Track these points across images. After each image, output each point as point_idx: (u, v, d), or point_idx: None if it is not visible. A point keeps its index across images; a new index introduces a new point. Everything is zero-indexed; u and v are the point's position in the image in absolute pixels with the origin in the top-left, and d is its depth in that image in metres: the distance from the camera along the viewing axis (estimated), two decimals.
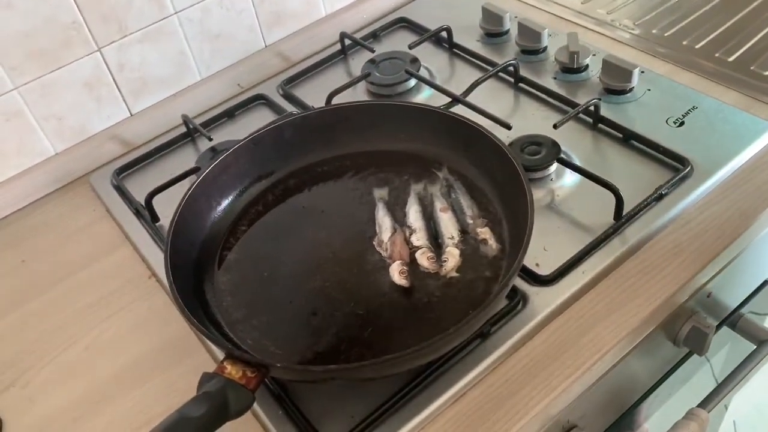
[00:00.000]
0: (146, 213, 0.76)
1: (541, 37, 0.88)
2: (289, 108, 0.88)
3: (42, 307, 0.71)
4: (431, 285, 0.62)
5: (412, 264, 0.63)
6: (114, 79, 0.86)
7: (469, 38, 0.94)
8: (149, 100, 0.90)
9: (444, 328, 0.52)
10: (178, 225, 0.63)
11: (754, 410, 1.23)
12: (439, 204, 0.68)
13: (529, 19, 0.89)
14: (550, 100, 0.82)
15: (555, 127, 0.74)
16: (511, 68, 0.84)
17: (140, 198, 0.77)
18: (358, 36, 0.96)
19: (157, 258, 0.72)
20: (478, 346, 0.60)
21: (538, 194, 0.70)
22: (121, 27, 0.83)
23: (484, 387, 0.58)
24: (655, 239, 0.67)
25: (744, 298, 0.82)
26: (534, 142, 0.73)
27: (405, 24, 1.00)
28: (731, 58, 0.85)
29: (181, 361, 0.64)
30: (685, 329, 0.69)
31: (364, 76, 0.88)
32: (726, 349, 0.90)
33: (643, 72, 0.82)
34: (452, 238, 0.64)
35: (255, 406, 0.55)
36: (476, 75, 0.84)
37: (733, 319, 0.80)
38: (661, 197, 0.68)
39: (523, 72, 0.85)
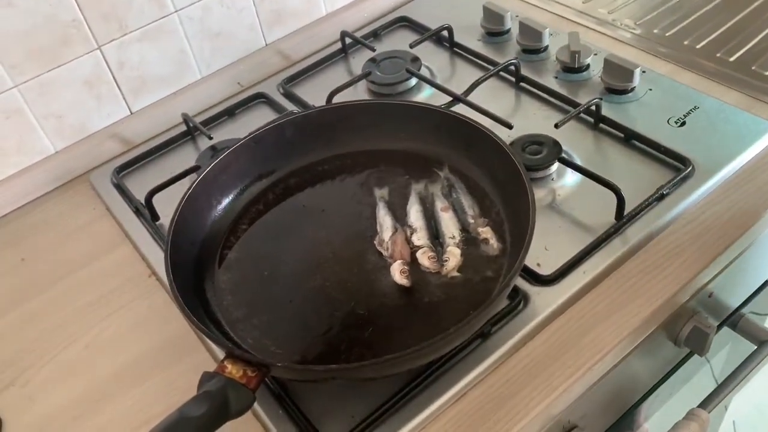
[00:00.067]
0: (146, 211, 0.75)
1: (543, 36, 0.87)
2: (290, 107, 0.87)
3: (42, 305, 0.71)
4: (432, 285, 0.62)
5: (413, 263, 0.63)
6: (114, 78, 0.86)
7: (470, 37, 0.94)
8: (149, 98, 0.90)
9: (445, 327, 0.52)
10: (179, 223, 0.63)
11: (754, 410, 1.23)
12: (440, 203, 0.67)
13: (530, 19, 0.89)
14: (551, 99, 0.82)
15: (556, 126, 0.73)
16: (512, 67, 0.84)
17: (140, 196, 0.77)
18: (358, 35, 0.96)
19: (157, 257, 0.72)
20: (479, 346, 0.59)
21: (539, 194, 0.70)
22: (121, 25, 0.83)
23: (485, 387, 0.58)
24: (656, 239, 0.66)
25: (745, 298, 0.82)
26: (535, 141, 0.73)
27: (406, 23, 1.00)
28: (732, 58, 0.85)
29: (181, 360, 0.64)
30: (686, 329, 0.69)
31: (365, 75, 0.87)
32: (726, 349, 0.90)
33: (644, 72, 0.82)
34: (453, 237, 0.64)
35: (255, 405, 0.55)
36: (477, 74, 0.84)
37: (733, 320, 0.80)
38: (662, 197, 0.68)
39: (524, 71, 0.85)
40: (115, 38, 0.83)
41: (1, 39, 0.76)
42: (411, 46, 0.90)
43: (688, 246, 0.65)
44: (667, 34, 0.91)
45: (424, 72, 0.88)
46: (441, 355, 0.57)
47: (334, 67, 0.95)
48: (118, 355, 0.65)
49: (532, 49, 0.89)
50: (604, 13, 0.96)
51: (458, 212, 0.67)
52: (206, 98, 0.92)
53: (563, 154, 0.72)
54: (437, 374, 0.58)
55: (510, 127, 0.74)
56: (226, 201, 0.71)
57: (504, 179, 0.65)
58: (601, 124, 0.77)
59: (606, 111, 0.77)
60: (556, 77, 0.85)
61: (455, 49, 0.93)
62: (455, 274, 0.62)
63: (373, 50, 0.92)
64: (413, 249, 0.64)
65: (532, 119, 0.80)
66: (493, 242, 0.63)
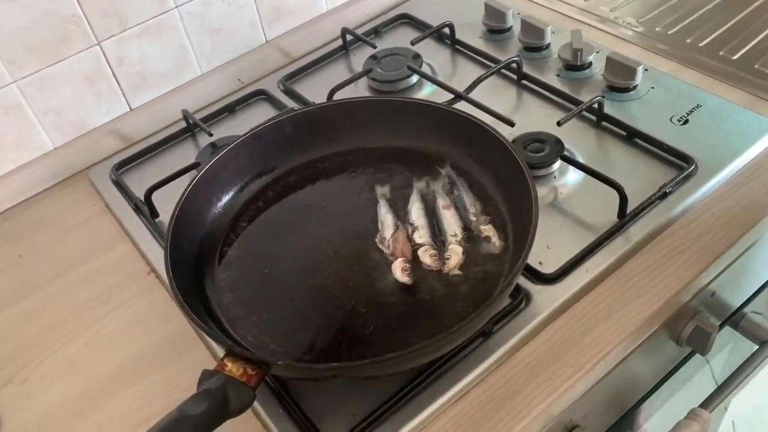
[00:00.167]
0: (145, 208, 0.75)
1: (545, 33, 0.87)
2: (290, 104, 0.87)
3: (40, 302, 0.71)
4: (434, 283, 0.61)
5: (414, 262, 0.63)
6: (113, 74, 0.85)
7: (472, 35, 0.93)
8: (149, 94, 0.89)
9: (446, 326, 0.52)
10: (178, 220, 0.62)
11: (754, 410, 1.23)
12: (441, 201, 0.67)
13: (532, 16, 0.89)
14: (553, 97, 0.81)
15: (559, 124, 0.73)
16: (514, 65, 0.84)
17: (140, 193, 0.76)
18: (359, 32, 0.95)
19: (156, 254, 0.72)
20: (481, 345, 0.59)
21: (541, 192, 0.70)
22: (121, 21, 0.82)
23: (486, 386, 0.58)
24: (658, 238, 0.66)
25: (747, 297, 0.82)
26: (537, 139, 0.73)
27: (407, 20, 0.99)
28: (735, 56, 0.85)
29: (181, 357, 0.63)
30: (688, 329, 0.69)
31: (366, 72, 0.87)
32: (727, 349, 0.90)
33: (646, 70, 0.82)
34: (455, 235, 0.64)
35: (255, 403, 0.54)
36: (479, 72, 0.84)
37: (735, 319, 0.79)
38: (665, 195, 0.68)
39: (526, 69, 0.85)
40: (114, 34, 0.83)
41: (0, 34, 0.75)
42: (412, 43, 0.89)
43: (691, 245, 0.65)
44: (669, 32, 0.90)
45: (425, 69, 0.87)
46: (442, 353, 0.57)
47: (334, 64, 0.94)
48: (118, 352, 0.65)
49: (534, 47, 0.88)
50: (606, 11, 0.95)
51: (460, 210, 0.66)
52: (206, 95, 0.91)
53: (565, 152, 0.71)
54: (438, 373, 0.58)
55: (512, 124, 0.74)
56: (226, 198, 0.70)
57: (506, 177, 0.64)
58: (604, 122, 0.77)
59: (608, 109, 0.77)
60: (558, 75, 0.85)
61: (456, 46, 0.92)
62: (457, 272, 0.61)
63: (374, 47, 0.91)
64: (415, 247, 0.64)
65: (533, 117, 0.79)
66: (495, 240, 0.63)
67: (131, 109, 0.89)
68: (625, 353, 0.61)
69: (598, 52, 0.85)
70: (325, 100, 0.81)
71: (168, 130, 0.87)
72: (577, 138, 0.75)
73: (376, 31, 0.98)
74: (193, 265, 0.64)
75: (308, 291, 0.63)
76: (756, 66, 0.83)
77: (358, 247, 0.65)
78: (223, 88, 0.93)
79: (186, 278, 0.62)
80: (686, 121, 0.76)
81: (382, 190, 0.70)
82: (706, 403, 0.73)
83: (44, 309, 0.70)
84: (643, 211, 0.67)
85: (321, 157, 0.74)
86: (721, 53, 0.85)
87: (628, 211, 0.66)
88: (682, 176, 0.69)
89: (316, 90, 0.88)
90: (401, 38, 0.96)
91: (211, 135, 0.82)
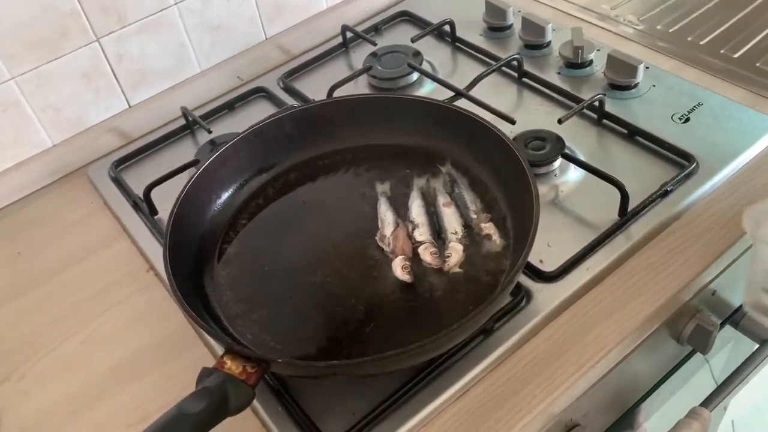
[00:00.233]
0: (144, 206, 0.75)
1: (545, 31, 0.87)
2: (290, 101, 0.87)
3: (38, 300, 0.70)
4: (434, 281, 0.61)
5: (414, 259, 0.62)
6: (112, 70, 0.85)
7: (472, 32, 0.93)
8: (148, 91, 0.89)
9: (447, 324, 0.51)
10: (178, 218, 0.62)
11: (753, 410, 1.23)
12: (442, 199, 0.67)
13: (533, 14, 0.89)
14: (554, 95, 0.81)
15: (560, 122, 0.73)
16: (515, 63, 0.84)
17: (138, 191, 0.76)
18: (359, 29, 0.95)
19: (155, 251, 0.71)
20: (481, 343, 0.59)
21: (542, 190, 0.70)
22: (120, 17, 0.82)
23: (487, 384, 0.57)
24: (660, 236, 0.66)
25: None
26: (538, 137, 0.73)
27: (407, 18, 0.99)
28: (736, 55, 0.84)
29: (180, 355, 0.63)
30: (689, 328, 0.69)
31: (366, 70, 0.87)
32: (727, 349, 0.90)
33: (648, 68, 0.81)
34: (455, 233, 0.64)
35: (254, 402, 0.54)
36: (479, 69, 0.83)
37: (735, 318, 0.79)
38: (666, 194, 0.68)
39: (527, 67, 0.84)
40: (113, 30, 0.82)
41: None
42: (412, 41, 0.89)
43: (692, 243, 0.65)
44: (670, 30, 0.90)
45: (425, 67, 0.87)
46: (443, 351, 0.57)
47: (334, 61, 0.94)
48: (116, 350, 0.65)
49: (535, 45, 0.88)
50: (607, 9, 0.95)
51: (460, 208, 0.66)
52: (205, 92, 0.91)
53: (566, 150, 0.71)
54: (439, 371, 0.57)
55: (513, 122, 0.73)
56: (225, 195, 0.70)
57: (507, 175, 0.64)
58: (605, 120, 0.77)
59: (609, 107, 0.77)
60: (559, 73, 0.84)
61: (457, 44, 0.92)
62: (457, 270, 0.61)
63: (374, 44, 0.91)
64: (415, 245, 0.63)
65: (534, 115, 0.79)
66: (496, 238, 0.63)
67: (130, 107, 0.88)
68: (626, 352, 0.61)
69: (599, 50, 0.85)
70: (324, 98, 0.81)
71: (167, 128, 0.86)
72: (577, 136, 0.75)
73: (376, 29, 0.98)
74: (193, 263, 0.64)
75: (308, 289, 0.62)
76: (757, 64, 0.82)
77: (358, 245, 0.65)
78: (222, 85, 0.92)
79: (185, 276, 0.61)
80: (687, 120, 0.75)
81: (382, 188, 0.69)
82: (707, 402, 0.73)
83: (42, 306, 0.70)
84: (644, 209, 0.67)
85: (321, 155, 0.74)
86: (722, 51, 0.85)
87: (629, 210, 0.66)
88: (683, 174, 0.68)
89: (316, 87, 0.88)
90: (401, 36, 0.95)
91: (210, 132, 0.82)
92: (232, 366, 0.51)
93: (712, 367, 0.88)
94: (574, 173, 0.71)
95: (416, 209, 0.66)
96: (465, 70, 0.88)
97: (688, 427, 0.69)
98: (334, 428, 0.55)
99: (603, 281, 0.63)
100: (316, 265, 0.64)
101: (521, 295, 0.61)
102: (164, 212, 0.74)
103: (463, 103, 0.76)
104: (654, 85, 0.80)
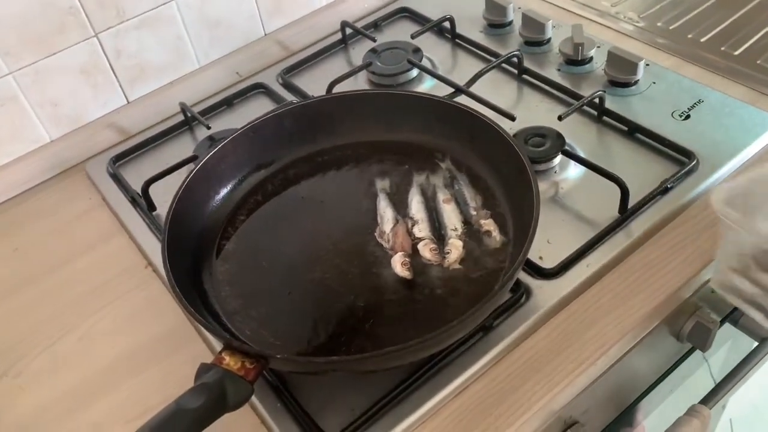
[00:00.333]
0: (142, 202, 0.74)
1: (545, 28, 0.87)
2: (289, 97, 0.86)
3: (35, 296, 0.70)
4: (433, 277, 0.61)
5: (414, 256, 0.62)
6: (111, 66, 0.85)
7: (472, 29, 0.93)
8: (146, 87, 0.89)
9: (446, 320, 0.51)
10: (176, 213, 0.62)
11: (751, 408, 1.23)
12: (441, 195, 0.67)
13: (533, 11, 0.88)
14: (554, 92, 0.81)
15: (560, 118, 0.73)
16: (515, 59, 0.83)
17: (137, 186, 0.76)
18: (359, 25, 0.95)
19: (153, 247, 0.71)
20: (481, 340, 0.59)
21: (542, 186, 0.69)
22: (118, 12, 0.82)
23: (487, 381, 0.57)
24: (660, 233, 0.66)
25: None
26: (538, 133, 0.72)
27: (406, 14, 0.99)
28: (737, 52, 0.84)
29: (178, 351, 0.63)
30: (688, 325, 0.69)
31: (366, 66, 0.86)
32: (725, 347, 0.90)
33: (648, 65, 0.81)
34: (455, 229, 0.63)
35: (253, 398, 0.54)
36: (479, 66, 0.83)
37: (735, 316, 0.79)
38: (666, 191, 0.68)
39: (527, 63, 0.84)
40: (112, 26, 0.82)
41: None
42: (412, 37, 0.89)
43: (692, 240, 0.65)
44: (670, 27, 0.90)
45: (425, 63, 0.87)
46: (442, 347, 0.57)
47: (334, 57, 0.94)
48: (114, 346, 0.64)
49: (535, 41, 0.88)
50: (608, 5, 0.95)
51: (460, 204, 0.66)
52: (204, 88, 0.91)
53: (566, 147, 0.71)
54: (438, 367, 0.57)
55: (513, 118, 0.73)
56: (224, 191, 0.70)
57: (507, 171, 0.64)
58: (605, 117, 0.76)
59: (609, 104, 0.77)
60: (559, 70, 0.84)
61: (457, 40, 0.92)
62: (457, 266, 0.61)
63: (374, 41, 0.91)
64: (414, 241, 0.63)
65: (534, 111, 0.79)
66: (496, 235, 0.62)
67: (128, 102, 0.88)
68: (626, 349, 0.61)
69: (599, 47, 0.84)
70: (324, 94, 0.81)
71: (165, 123, 0.86)
72: (578, 133, 0.75)
73: (376, 25, 0.97)
74: (191, 259, 0.64)
75: (307, 285, 0.62)
76: (758, 62, 0.82)
77: (357, 241, 0.65)
78: (221, 81, 0.92)
79: (183, 272, 0.61)
80: (688, 117, 0.75)
81: (381, 184, 0.69)
82: (706, 400, 0.73)
83: (40, 302, 0.69)
84: (645, 206, 0.66)
85: (320, 151, 0.73)
86: (722, 49, 0.85)
87: (629, 206, 0.65)
88: (683, 171, 0.68)
89: (315, 84, 0.87)
90: (401, 32, 0.95)
91: (209, 128, 0.81)
92: (231, 362, 0.50)
93: (710, 365, 0.87)
94: (574, 170, 0.71)
95: (416, 205, 0.66)
96: (465, 67, 0.87)
97: (687, 424, 0.69)
98: (333, 424, 0.54)
99: (603, 278, 0.63)
100: (316, 261, 0.64)
101: (521, 292, 0.61)
102: (162, 208, 0.73)
103: (463, 100, 0.75)
104: (654, 82, 0.80)
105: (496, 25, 0.92)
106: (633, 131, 0.74)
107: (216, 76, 0.92)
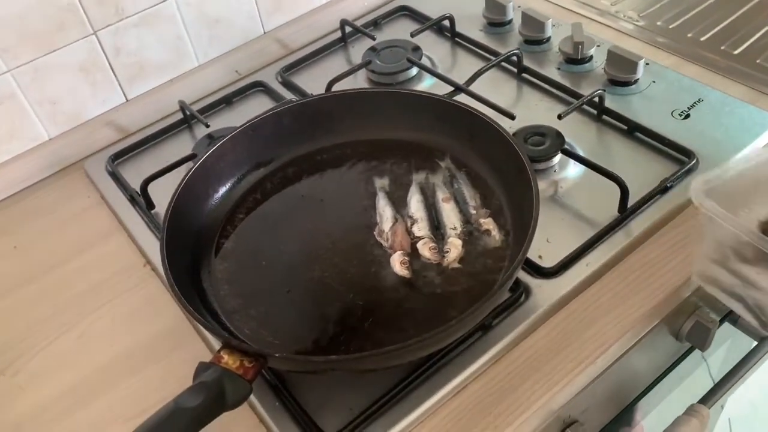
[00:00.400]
0: (141, 200, 0.74)
1: (545, 27, 0.86)
2: (288, 96, 0.86)
3: (34, 294, 0.70)
4: (433, 276, 0.61)
5: (413, 254, 0.62)
6: (110, 64, 0.84)
7: (472, 27, 0.92)
8: (145, 85, 0.88)
9: (445, 319, 0.51)
10: (175, 212, 0.62)
11: (750, 407, 1.23)
12: (441, 194, 0.66)
13: (533, 9, 0.88)
14: (554, 90, 0.81)
15: (559, 117, 0.73)
16: (515, 58, 0.83)
17: (135, 185, 0.75)
18: (358, 23, 0.95)
19: (152, 246, 0.71)
20: (480, 339, 0.59)
21: (542, 185, 0.69)
22: (117, 10, 0.82)
23: (486, 380, 0.57)
24: (659, 232, 0.66)
25: None
26: (538, 132, 0.72)
27: (406, 12, 0.99)
28: (737, 51, 0.84)
29: (177, 350, 0.63)
30: (688, 324, 0.69)
31: (365, 64, 0.86)
32: (724, 347, 0.90)
33: (648, 64, 0.81)
34: (454, 228, 0.63)
35: (251, 397, 0.54)
36: (479, 64, 0.83)
37: (734, 315, 0.79)
38: (666, 190, 0.67)
39: (527, 62, 0.84)
40: (111, 23, 0.82)
41: None
42: (412, 35, 0.89)
43: (692, 240, 0.65)
44: (670, 27, 0.90)
45: (425, 62, 0.87)
46: (441, 347, 0.57)
47: (333, 56, 0.93)
48: (112, 345, 0.64)
49: (535, 40, 0.88)
50: (607, 4, 0.95)
51: (460, 203, 0.66)
52: (203, 86, 0.91)
53: (566, 146, 0.71)
54: (437, 366, 0.57)
55: (512, 117, 0.73)
56: (223, 190, 0.70)
57: (507, 170, 0.64)
58: (604, 116, 0.76)
59: (609, 103, 0.76)
60: (559, 68, 0.84)
61: (456, 39, 0.92)
62: (456, 265, 0.61)
63: (374, 39, 0.91)
64: (414, 240, 0.63)
65: (534, 110, 0.79)
66: (495, 234, 0.62)
67: (127, 100, 0.88)
68: (625, 348, 0.61)
69: (598, 46, 0.84)
70: (323, 92, 0.81)
71: (165, 122, 0.86)
72: (577, 131, 0.75)
73: (376, 23, 0.97)
74: (190, 258, 0.64)
75: (306, 284, 0.62)
76: (758, 61, 0.82)
77: (356, 240, 0.64)
78: (220, 79, 0.92)
79: (182, 270, 0.61)
80: (687, 116, 0.75)
81: (381, 183, 0.69)
82: (705, 400, 0.73)
83: (38, 301, 0.69)
84: (644, 205, 0.66)
85: (319, 149, 0.73)
86: (722, 48, 0.85)
87: (628, 205, 0.65)
88: (683, 170, 0.68)
89: (314, 82, 0.87)
90: (401, 30, 0.95)
91: (208, 126, 0.81)
92: (230, 361, 0.50)
93: (709, 364, 0.87)
94: (574, 169, 0.71)
95: (415, 204, 0.66)
96: (464, 66, 0.87)
97: (686, 423, 0.69)
98: (332, 424, 0.54)
99: (602, 277, 0.63)
100: (315, 260, 0.64)
101: (520, 291, 0.61)
102: (161, 207, 0.73)
103: (462, 98, 0.75)
104: (654, 81, 0.80)
105: (496, 23, 0.92)
106: (633, 130, 0.74)
107: (215, 75, 0.92)
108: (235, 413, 0.50)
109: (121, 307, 0.67)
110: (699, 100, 0.77)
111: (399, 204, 0.67)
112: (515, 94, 0.82)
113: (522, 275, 0.62)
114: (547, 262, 0.63)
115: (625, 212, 0.65)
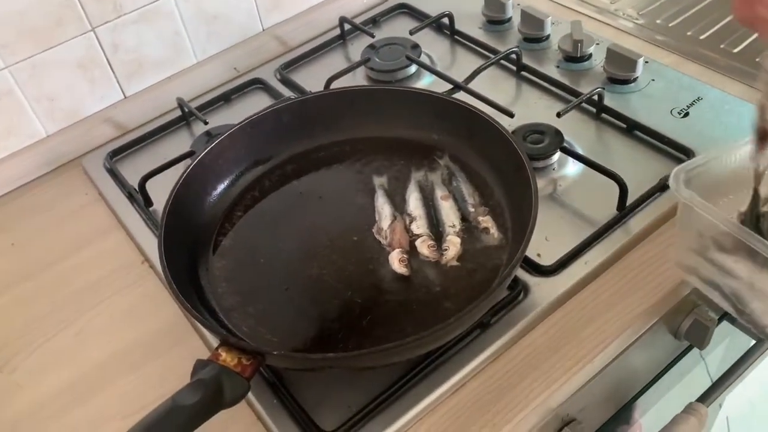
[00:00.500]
0: (139, 197, 0.74)
1: (544, 24, 0.86)
2: (287, 93, 0.86)
3: (31, 291, 0.70)
4: (431, 274, 0.61)
5: (411, 252, 0.62)
6: (108, 60, 0.84)
7: (471, 25, 0.92)
8: (144, 82, 0.88)
9: (444, 317, 0.51)
10: (173, 209, 0.62)
11: (748, 406, 1.23)
12: (439, 192, 0.66)
13: (532, 7, 0.88)
14: (553, 88, 0.81)
15: (558, 115, 0.72)
16: (514, 56, 0.83)
17: (134, 182, 0.75)
18: (357, 21, 0.95)
19: (150, 243, 0.71)
20: (478, 337, 0.58)
21: (540, 183, 0.69)
22: (116, 6, 0.81)
23: (484, 378, 0.57)
24: (658, 230, 0.66)
25: None
26: (537, 130, 0.72)
27: (405, 10, 0.99)
28: (736, 50, 0.84)
29: (175, 347, 0.63)
30: (686, 323, 0.69)
31: (364, 62, 0.86)
32: (722, 346, 0.90)
33: (647, 62, 0.81)
34: (453, 226, 0.63)
35: (249, 394, 0.54)
36: (478, 62, 0.83)
37: None
38: (665, 188, 0.67)
39: (526, 60, 0.84)
40: (109, 20, 0.82)
41: None
42: (411, 33, 0.89)
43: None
44: (670, 25, 0.90)
45: (424, 59, 0.87)
46: (440, 344, 0.56)
47: (332, 53, 0.93)
48: (110, 342, 0.64)
49: (534, 38, 0.87)
50: (607, 2, 0.95)
51: (458, 201, 0.66)
52: (202, 83, 0.90)
53: (565, 144, 0.71)
54: (435, 364, 0.57)
55: (511, 115, 0.73)
56: (221, 187, 0.70)
57: (506, 168, 0.64)
58: (604, 114, 0.76)
59: (608, 101, 0.76)
60: (558, 66, 0.84)
61: (456, 36, 0.91)
62: (455, 263, 0.61)
63: (372, 37, 0.91)
64: (412, 237, 0.63)
65: (533, 108, 0.79)
66: (494, 232, 0.62)
67: (125, 97, 0.88)
68: (624, 346, 0.61)
69: (598, 44, 0.84)
70: (322, 90, 0.80)
71: (163, 119, 0.86)
72: (576, 130, 0.75)
73: (375, 21, 0.97)
74: (188, 255, 0.64)
75: (304, 281, 0.62)
76: (757, 59, 0.82)
77: (355, 238, 0.64)
78: (219, 76, 0.91)
79: (180, 268, 0.60)
80: (687, 114, 0.75)
81: (379, 180, 0.69)
82: (703, 398, 0.73)
83: (36, 298, 0.69)
84: (643, 203, 0.66)
85: (318, 147, 0.73)
86: (722, 46, 0.85)
87: (627, 204, 0.65)
88: None
89: (313, 79, 0.87)
90: (400, 28, 0.95)
91: (206, 123, 0.81)
92: (227, 358, 0.50)
93: (708, 363, 0.87)
94: (573, 167, 0.71)
95: (414, 202, 0.66)
96: (463, 63, 0.87)
97: (685, 422, 0.69)
98: (330, 421, 0.54)
99: (601, 275, 0.63)
100: (313, 257, 0.63)
101: (519, 289, 0.61)
102: (159, 204, 0.73)
103: (461, 96, 0.75)
104: (653, 80, 0.80)
105: (495, 21, 0.92)
106: (632, 128, 0.74)
107: (214, 72, 0.91)
108: (233, 411, 0.50)
109: (119, 304, 0.67)
110: (698, 99, 0.77)
111: (398, 202, 0.67)
112: (514, 92, 0.82)
113: (520, 273, 0.62)
114: (546, 260, 0.63)
115: (624, 210, 0.65)
